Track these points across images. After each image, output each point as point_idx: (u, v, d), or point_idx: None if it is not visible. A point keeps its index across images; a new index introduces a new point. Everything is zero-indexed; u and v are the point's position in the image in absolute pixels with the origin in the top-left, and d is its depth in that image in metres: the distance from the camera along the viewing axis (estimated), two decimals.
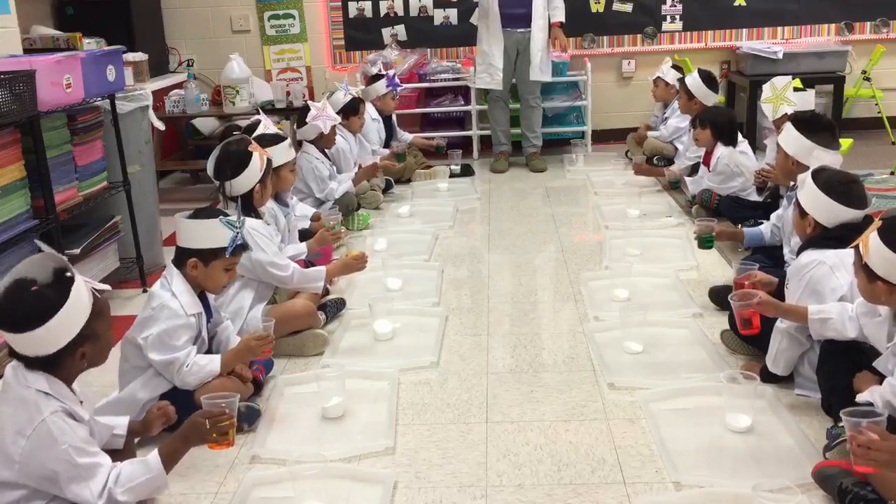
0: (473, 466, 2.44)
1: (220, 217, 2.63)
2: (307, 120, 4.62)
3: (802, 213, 2.73)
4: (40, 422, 1.88)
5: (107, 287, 2.11)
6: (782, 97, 4.01)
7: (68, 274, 1.95)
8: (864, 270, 2.21)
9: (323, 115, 4.62)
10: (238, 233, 2.65)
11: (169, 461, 2.09)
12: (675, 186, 5.02)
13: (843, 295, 2.53)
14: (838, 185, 2.64)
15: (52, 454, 1.89)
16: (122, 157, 3.95)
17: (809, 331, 2.53)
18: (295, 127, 4.71)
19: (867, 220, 2.60)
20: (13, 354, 1.98)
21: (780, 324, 2.68)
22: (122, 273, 4.02)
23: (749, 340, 2.97)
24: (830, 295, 2.54)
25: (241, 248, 2.70)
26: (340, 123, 5.14)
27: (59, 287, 1.93)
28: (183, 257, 2.64)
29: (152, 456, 2.07)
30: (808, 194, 2.69)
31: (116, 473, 1.99)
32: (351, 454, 2.51)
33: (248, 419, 2.67)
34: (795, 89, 4.06)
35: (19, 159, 3.25)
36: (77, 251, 3.59)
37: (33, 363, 1.96)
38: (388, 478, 2.36)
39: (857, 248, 2.24)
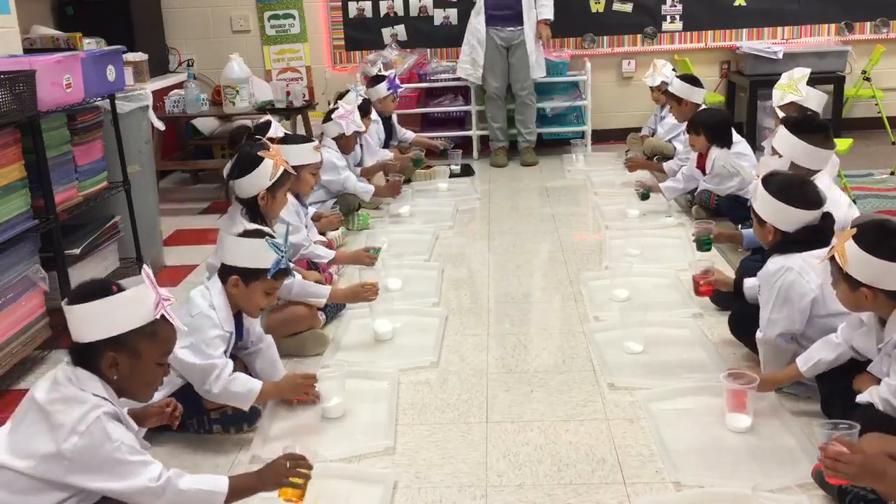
0: (473, 466, 2.44)
1: (267, 238, 2.61)
2: (332, 116, 4.70)
3: (760, 221, 2.71)
4: (94, 419, 1.86)
5: (179, 325, 2.04)
6: (794, 87, 4.01)
7: (141, 287, 1.95)
8: (845, 280, 2.20)
9: (348, 118, 4.69)
10: (282, 256, 2.62)
11: (234, 492, 2.03)
12: (645, 197, 4.86)
13: (815, 297, 2.56)
14: (791, 189, 2.63)
15: (104, 451, 1.86)
16: (122, 157, 3.95)
17: (800, 366, 2.52)
18: (322, 121, 4.82)
19: (826, 219, 2.63)
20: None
21: (760, 335, 2.70)
22: (122, 273, 4.01)
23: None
24: (801, 300, 2.57)
25: (284, 272, 2.67)
26: None
27: (123, 288, 1.96)
28: (226, 274, 2.62)
29: (223, 478, 2.03)
30: (763, 202, 2.67)
31: (178, 471, 1.97)
32: (351, 454, 2.51)
33: (249, 419, 2.67)
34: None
35: (19, 159, 3.24)
36: (77, 251, 3.58)
37: (74, 355, 1.94)
38: (388, 478, 2.36)
39: (832, 259, 2.23)
